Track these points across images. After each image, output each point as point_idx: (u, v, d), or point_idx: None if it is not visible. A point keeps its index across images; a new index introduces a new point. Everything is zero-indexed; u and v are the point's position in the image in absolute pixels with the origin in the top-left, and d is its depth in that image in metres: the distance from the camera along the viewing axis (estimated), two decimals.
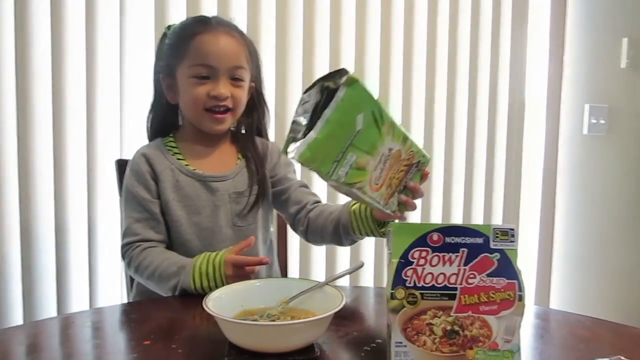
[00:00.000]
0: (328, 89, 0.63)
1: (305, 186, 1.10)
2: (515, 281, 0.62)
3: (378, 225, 0.91)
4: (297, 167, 1.16)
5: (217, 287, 0.84)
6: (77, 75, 1.37)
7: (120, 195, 1.07)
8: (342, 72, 0.64)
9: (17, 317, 1.35)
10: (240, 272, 0.87)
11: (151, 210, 0.99)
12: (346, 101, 0.63)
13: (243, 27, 1.07)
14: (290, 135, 0.65)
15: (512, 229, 0.64)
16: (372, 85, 0.68)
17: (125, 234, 0.99)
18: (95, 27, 1.38)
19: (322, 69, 1.64)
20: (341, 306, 0.66)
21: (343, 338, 0.73)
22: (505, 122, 1.94)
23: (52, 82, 1.34)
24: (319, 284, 0.75)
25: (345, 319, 0.80)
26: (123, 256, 0.99)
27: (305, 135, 0.63)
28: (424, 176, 0.84)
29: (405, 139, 0.74)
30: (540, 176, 1.99)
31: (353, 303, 0.89)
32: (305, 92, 0.66)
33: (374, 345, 0.71)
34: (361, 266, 0.87)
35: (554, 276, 2.04)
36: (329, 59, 1.64)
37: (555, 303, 2.02)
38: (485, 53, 1.88)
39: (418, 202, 0.85)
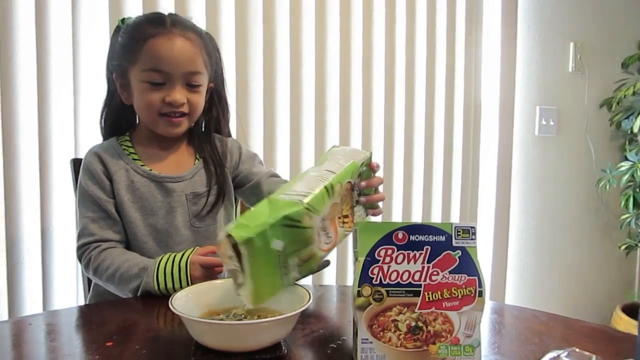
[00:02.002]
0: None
1: (276, 175, 1.09)
2: (475, 277, 0.65)
3: None
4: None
5: (181, 288, 0.83)
6: (29, 71, 1.31)
7: (75, 195, 1.04)
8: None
9: None
10: (209, 272, 0.87)
11: (107, 210, 0.97)
12: (255, 250, 0.63)
13: (202, 23, 1.04)
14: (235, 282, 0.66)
15: (473, 227, 0.66)
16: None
17: (81, 234, 0.96)
18: (47, 20, 1.33)
19: (283, 63, 1.64)
20: (308, 304, 0.66)
21: (309, 336, 0.74)
22: (461, 123, 2.00)
23: (1, 80, 1.28)
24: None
25: (310, 317, 0.81)
26: (80, 257, 0.96)
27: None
28: (372, 169, 0.84)
29: (329, 189, 0.71)
30: (495, 176, 2.06)
31: (317, 302, 0.90)
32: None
33: (340, 342, 0.72)
34: (327, 264, 0.87)
35: (509, 272, 2.13)
36: (289, 53, 1.64)
37: (510, 299, 2.11)
38: (441, 56, 1.93)
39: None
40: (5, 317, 1.32)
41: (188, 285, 0.84)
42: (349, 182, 0.77)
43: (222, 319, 0.69)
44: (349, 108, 1.77)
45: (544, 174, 2.14)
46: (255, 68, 1.60)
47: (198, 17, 1.43)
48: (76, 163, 1.10)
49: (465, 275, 0.65)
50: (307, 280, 0.83)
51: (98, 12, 1.39)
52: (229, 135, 1.14)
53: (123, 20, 1.02)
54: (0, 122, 1.29)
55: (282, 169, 1.65)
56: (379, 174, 0.85)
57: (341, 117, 1.76)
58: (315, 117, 1.71)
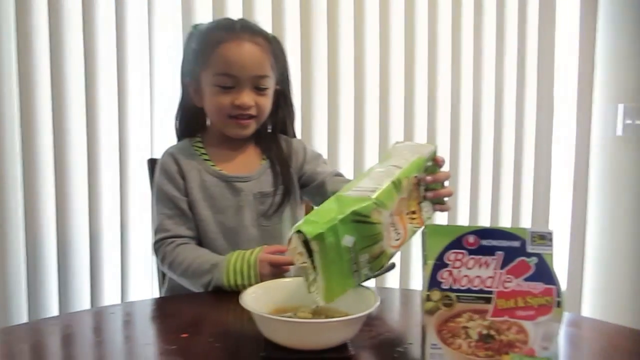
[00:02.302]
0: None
1: (340, 174, 1.09)
2: (553, 286, 0.62)
3: None
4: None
5: (249, 285, 0.85)
6: (108, 76, 1.40)
7: (152, 193, 1.09)
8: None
9: (53, 309, 1.39)
10: (277, 271, 0.89)
11: (181, 208, 1.01)
12: (326, 246, 0.64)
13: (268, 26, 1.07)
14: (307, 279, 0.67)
15: (550, 233, 0.63)
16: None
17: (157, 230, 1.01)
18: (124, 27, 1.41)
19: (346, 66, 1.64)
20: (376, 306, 0.66)
21: (375, 339, 0.73)
22: (533, 122, 1.89)
23: (85, 84, 1.38)
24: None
25: (376, 319, 0.80)
26: (156, 252, 1.01)
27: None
28: (438, 163, 0.82)
29: (397, 184, 0.72)
30: (571, 178, 1.95)
31: (381, 304, 0.88)
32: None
33: (406, 347, 0.71)
34: (393, 267, 0.86)
35: (586, 283, 2.00)
36: (353, 56, 1.64)
37: (587, 311, 1.98)
38: (510, 47, 1.83)
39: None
40: (87, 306, 1.42)
41: (256, 282, 0.86)
42: (415, 176, 0.76)
43: (290, 317, 0.70)
44: (413, 108, 1.74)
45: (625, 177, 1.99)
46: (319, 69, 1.62)
47: (265, 21, 1.47)
48: (152, 163, 1.16)
49: (542, 284, 0.62)
50: (369, 283, 0.83)
51: (172, 19, 1.46)
52: (294, 135, 1.16)
53: (195, 26, 1.06)
54: (85, 125, 1.39)
55: (346, 169, 1.66)
56: (445, 168, 0.84)
57: (405, 116, 1.73)
58: (379, 117, 1.70)
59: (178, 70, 1.09)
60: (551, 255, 0.63)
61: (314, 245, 0.64)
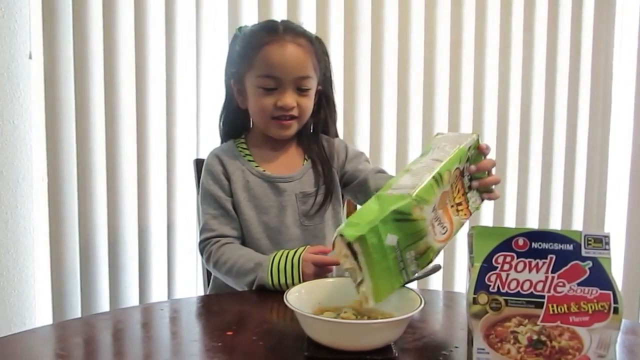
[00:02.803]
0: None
1: (382, 171, 1.09)
2: (609, 292, 0.59)
3: None
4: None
5: (293, 284, 0.86)
6: (157, 80, 1.45)
7: (198, 193, 1.12)
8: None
9: (104, 305, 1.45)
10: (320, 271, 0.89)
11: (226, 207, 1.03)
12: (369, 247, 0.65)
13: (312, 27, 1.07)
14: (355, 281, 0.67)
15: (607, 236, 0.60)
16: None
17: (203, 229, 1.03)
18: (173, 31, 1.45)
19: (390, 67, 1.62)
20: (420, 308, 0.65)
21: (419, 341, 0.72)
22: (587, 116, 1.80)
23: (136, 88, 1.43)
24: None
25: (420, 322, 0.79)
26: (202, 251, 1.03)
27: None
28: (482, 151, 0.80)
29: (438, 178, 0.71)
30: (628, 178, 1.85)
31: (425, 307, 0.87)
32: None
33: (452, 350, 0.69)
34: (438, 269, 0.85)
35: None
36: (397, 55, 1.63)
37: None
38: (564, 35, 1.75)
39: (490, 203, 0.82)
40: (136, 302, 1.47)
41: (300, 281, 0.87)
42: (457, 168, 0.74)
43: (334, 317, 0.70)
44: (459, 107, 1.70)
45: None
46: (362, 69, 1.61)
47: (309, 22, 1.48)
48: (198, 163, 1.19)
49: (597, 289, 0.59)
50: (412, 285, 0.82)
51: (218, 20, 1.49)
52: (336, 135, 1.16)
53: (240, 28, 1.08)
54: (135, 127, 1.44)
55: (389, 168, 1.64)
56: (491, 155, 0.82)
57: (450, 116, 1.70)
58: (422, 117, 1.67)
59: (222, 72, 1.11)
60: (608, 259, 0.60)
61: (357, 248, 0.64)
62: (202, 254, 1.03)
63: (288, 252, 0.92)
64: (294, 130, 1.05)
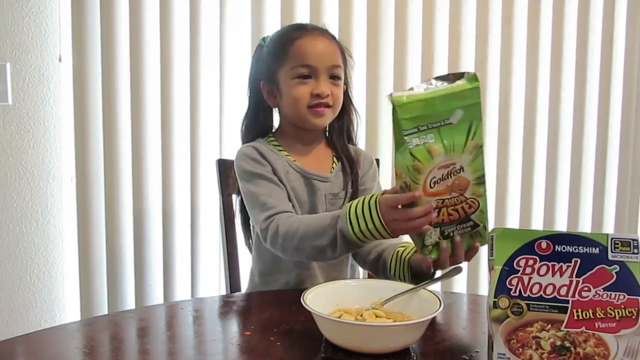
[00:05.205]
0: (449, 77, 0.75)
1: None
2: (638, 297, 0.57)
3: (411, 275, 0.91)
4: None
5: (375, 229, 0.81)
6: (181, 82, 1.47)
7: (221, 193, 1.13)
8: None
9: (130, 303, 1.48)
10: (402, 214, 0.80)
11: (275, 181, 1.01)
12: (457, 88, 0.73)
13: (334, 32, 1.10)
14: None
15: (636, 240, 0.58)
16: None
17: (262, 209, 0.97)
18: (197, 34, 1.47)
19: (413, 76, 1.60)
20: (439, 311, 0.64)
21: (439, 345, 0.71)
22: (619, 114, 1.72)
23: (161, 90, 1.45)
24: (415, 287, 0.74)
25: (441, 325, 0.78)
26: (266, 230, 0.95)
27: None
28: (472, 248, 0.81)
29: (479, 179, 0.77)
30: None
31: (448, 309, 0.86)
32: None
33: (472, 355, 0.68)
34: (459, 271, 0.84)
35: None
36: (421, 62, 1.60)
37: None
38: (595, 33, 1.69)
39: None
40: (160, 301, 1.49)
41: (382, 225, 0.80)
42: (469, 205, 0.78)
43: (353, 319, 0.70)
44: (485, 104, 1.66)
45: None
46: (385, 75, 1.59)
47: (331, 28, 1.47)
48: (221, 163, 1.20)
49: (625, 294, 0.57)
50: (435, 287, 0.81)
51: (242, 24, 1.50)
52: (356, 139, 1.15)
53: (264, 39, 1.10)
54: (160, 128, 1.46)
55: None
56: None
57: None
58: None
59: (245, 79, 1.12)
60: (637, 264, 0.58)
61: (460, 79, 0.75)
62: (266, 235, 0.95)
63: (364, 197, 0.86)
64: (328, 119, 1.05)
